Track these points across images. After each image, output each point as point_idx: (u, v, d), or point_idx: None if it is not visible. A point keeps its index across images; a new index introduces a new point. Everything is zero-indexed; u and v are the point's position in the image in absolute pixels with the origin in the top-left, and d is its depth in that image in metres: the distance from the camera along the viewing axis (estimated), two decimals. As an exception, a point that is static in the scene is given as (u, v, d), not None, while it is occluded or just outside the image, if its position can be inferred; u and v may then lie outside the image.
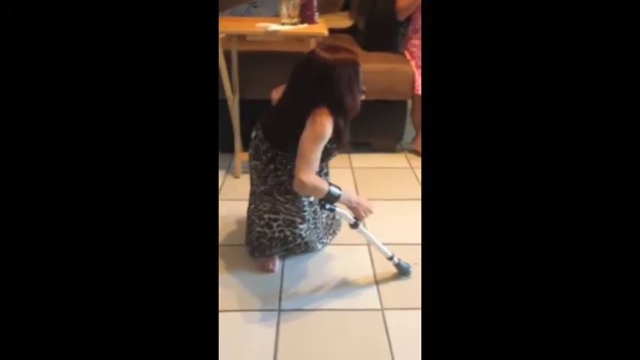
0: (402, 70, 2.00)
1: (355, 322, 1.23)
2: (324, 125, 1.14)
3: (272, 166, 1.25)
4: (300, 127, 1.16)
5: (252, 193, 1.38)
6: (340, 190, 1.21)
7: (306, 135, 1.15)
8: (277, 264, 1.41)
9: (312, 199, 1.31)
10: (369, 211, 1.28)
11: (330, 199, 1.19)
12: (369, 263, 1.45)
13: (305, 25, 1.71)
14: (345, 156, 2.17)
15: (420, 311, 1.26)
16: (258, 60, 1.95)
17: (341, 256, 1.49)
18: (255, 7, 2.25)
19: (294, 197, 1.27)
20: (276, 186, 1.26)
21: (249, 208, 1.41)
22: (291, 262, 1.45)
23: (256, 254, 1.39)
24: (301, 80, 1.20)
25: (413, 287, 1.35)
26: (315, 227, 1.39)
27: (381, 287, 1.35)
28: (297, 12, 1.71)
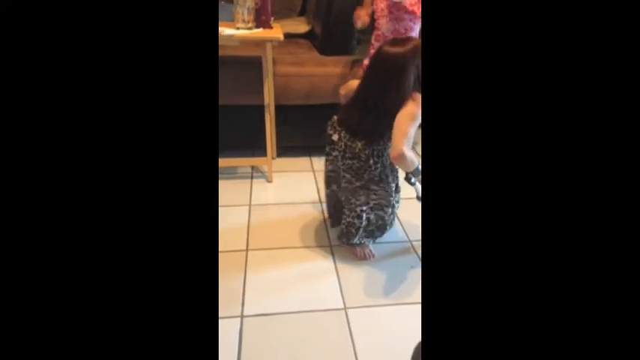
0: (358, 75, 2.04)
1: (319, 324, 1.23)
2: (420, 106, 1.20)
3: (372, 161, 1.32)
4: (392, 117, 1.21)
5: (345, 189, 1.41)
6: None
7: (405, 112, 1.19)
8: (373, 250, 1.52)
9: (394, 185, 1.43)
10: None
11: (416, 173, 1.27)
12: (332, 264, 1.47)
13: (260, 30, 1.71)
14: (306, 159, 2.18)
15: (381, 308, 1.29)
16: (215, 65, 1.93)
17: (303, 258, 1.49)
18: (210, 12, 2.23)
19: (385, 184, 1.38)
20: (374, 178, 1.35)
21: (335, 196, 1.49)
22: (253, 266, 1.44)
23: (343, 240, 1.49)
24: (384, 76, 1.25)
25: (374, 283, 1.38)
26: (393, 212, 1.49)
27: (344, 286, 1.37)
28: (252, 16, 1.71)
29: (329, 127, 1.41)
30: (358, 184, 1.37)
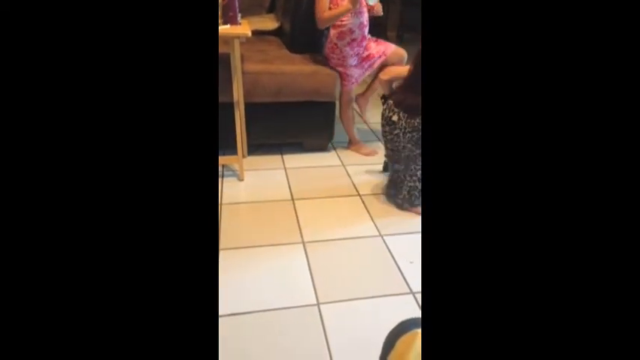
0: (326, 72, 2.05)
1: (292, 321, 1.23)
2: None
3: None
4: None
5: (407, 158, 1.66)
6: None
7: None
8: None
9: None
10: None
11: None
12: (304, 260, 1.47)
13: (228, 26, 1.69)
14: (277, 157, 2.17)
15: (353, 302, 1.30)
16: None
17: (275, 255, 1.49)
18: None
19: None
20: None
21: (395, 167, 1.73)
22: (224, 266, 1.42)
23: (406, 205, 1.74)
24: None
25: (346, 278, 1.39)
26: None
27: (317, 282, 1.37)
28: (219, 13, 1.68)
29: (387, 111, 1.63)
30: (419, 151, 1.59)
